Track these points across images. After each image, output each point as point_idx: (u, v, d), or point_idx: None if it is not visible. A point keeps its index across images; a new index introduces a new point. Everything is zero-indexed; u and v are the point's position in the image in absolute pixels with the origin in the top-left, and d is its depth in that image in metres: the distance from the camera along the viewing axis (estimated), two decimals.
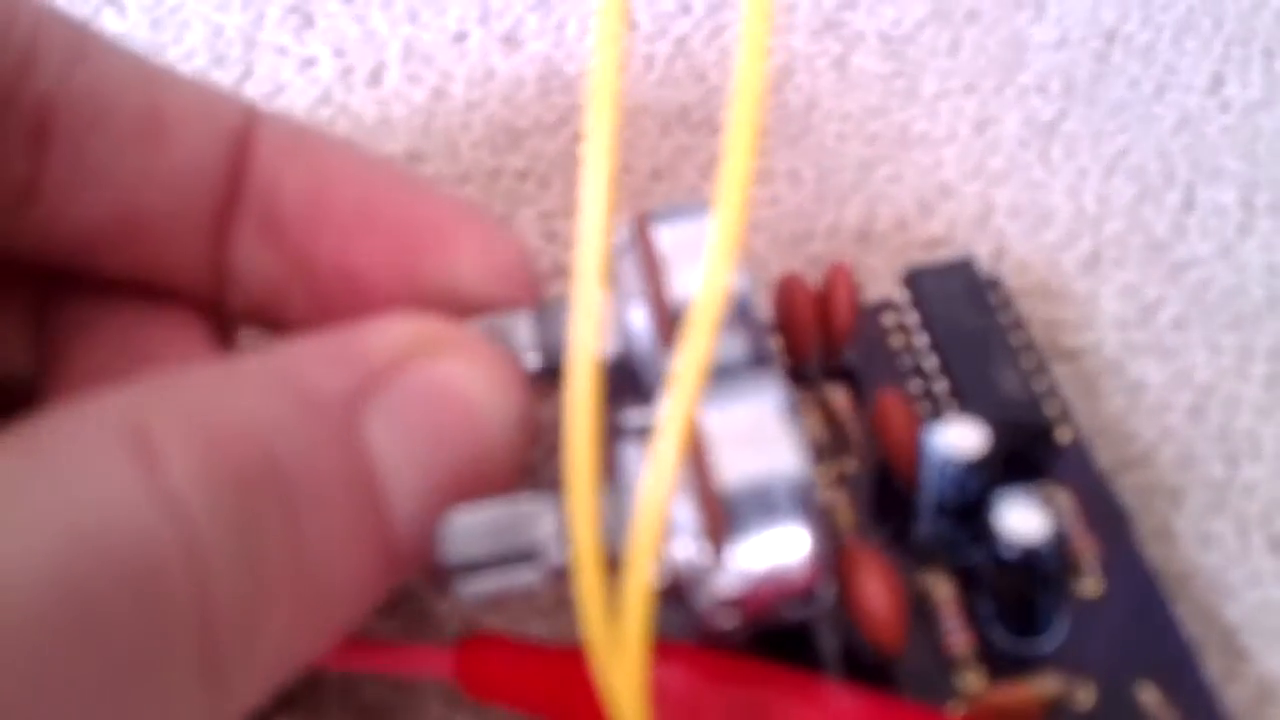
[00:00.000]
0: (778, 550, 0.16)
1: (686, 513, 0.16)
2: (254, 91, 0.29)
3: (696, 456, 0.16)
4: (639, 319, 0.19)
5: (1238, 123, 0.28)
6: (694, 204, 0.19)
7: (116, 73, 0.19)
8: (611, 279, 0.20)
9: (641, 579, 0.13)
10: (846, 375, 0.23)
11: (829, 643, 0.19)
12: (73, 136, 0.19)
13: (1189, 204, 0.26)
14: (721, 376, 0.18)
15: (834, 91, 0.29)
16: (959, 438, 0.18)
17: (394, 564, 0.17)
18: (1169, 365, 0.23)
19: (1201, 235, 0.25)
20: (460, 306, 0.19)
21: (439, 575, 0.17)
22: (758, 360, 0.19)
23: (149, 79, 0.19)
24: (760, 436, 0.16)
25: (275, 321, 0.20)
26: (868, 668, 0.19)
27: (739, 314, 0.18)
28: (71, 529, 0.13)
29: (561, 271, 0.25)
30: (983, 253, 0.25)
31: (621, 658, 0.13)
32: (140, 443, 0.14)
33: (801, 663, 0.18)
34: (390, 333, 0.18)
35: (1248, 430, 0.22)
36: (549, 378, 0.20)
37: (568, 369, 0.14)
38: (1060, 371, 0.23)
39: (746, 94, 0.13)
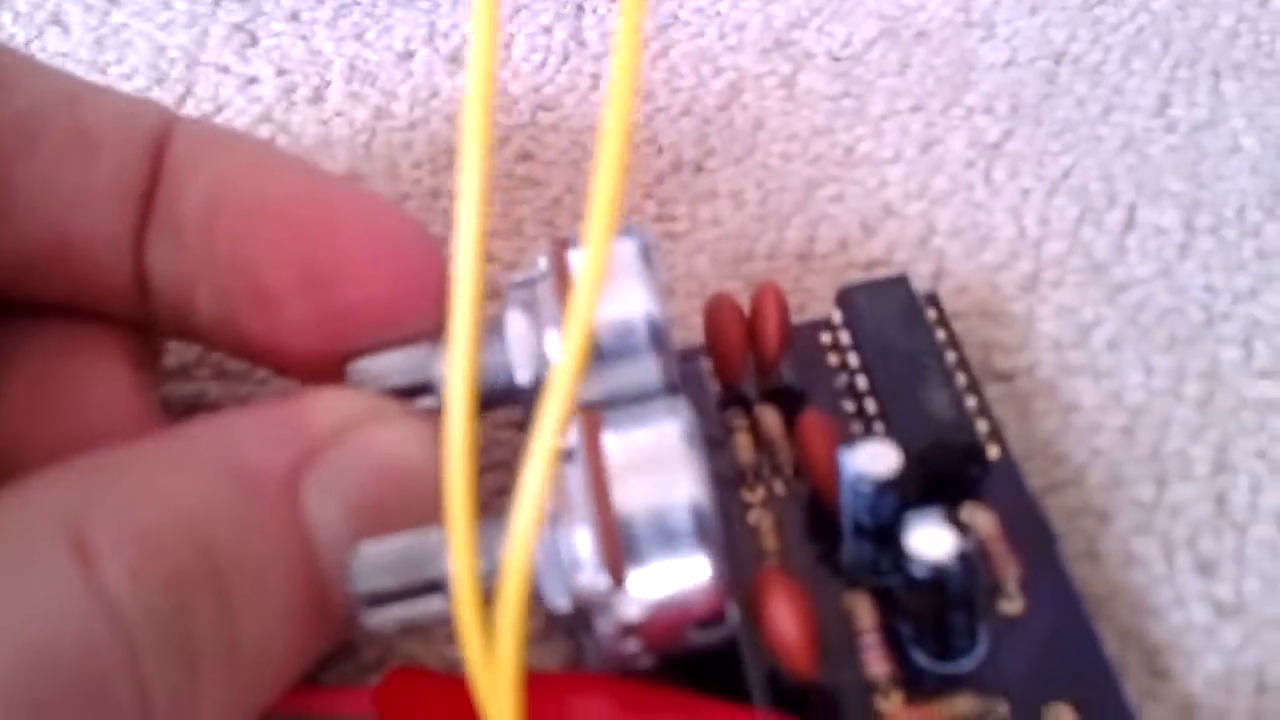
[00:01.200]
0: (677, 578, 0.16)
1: (588, 542, 0.16)
2: (193, 109, 0.29)
3: (597, 484, 0.16)
4: (555, 345, 0.19)
5: (1183, 143, 0.28)
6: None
7: (41, 96, 0.19)
8: (531, 305, 0.20)
9: (513, 605, 0.13)
10: (783, 395, 0.22)
11: (755, 670, 0.19)
12: (2, 167, 0.19)
13: (1130, 224, 0.26)
14: (629, 403, 0.18)
15: (781, 111, 0.29)
16: (871, 458, 0.18)
17: (329, 628, 0.18)
18: (1102, 386, 0.23)
19: (1141, 256, 0.25)
20: (352, 291, 0.19)
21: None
22: (669, 387, 0.19)
23: (73, 96, 0.19)
24: (660, 464, 0.16)
25: (188, 325, 0.20)
26: (791, 693, 0.18)
27: (650, 340, 0.18)
28: (21, 642, 0.14)
29: (495, 291, 0.25)
30: (922, 273, 0.25)
31: (497, 681, 0.13)
32: (79, 544, 0.15)
33: (728, 691, 0.18)
34: (326, 406, 0.18)
35: (1178, 451, 0.22)
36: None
37: (446, 406, 0.14)
38: (994, 392, 0.23)
39: (614, 128, 0.13)
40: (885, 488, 0.18)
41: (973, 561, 0.17)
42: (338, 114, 0.29)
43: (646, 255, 0.19)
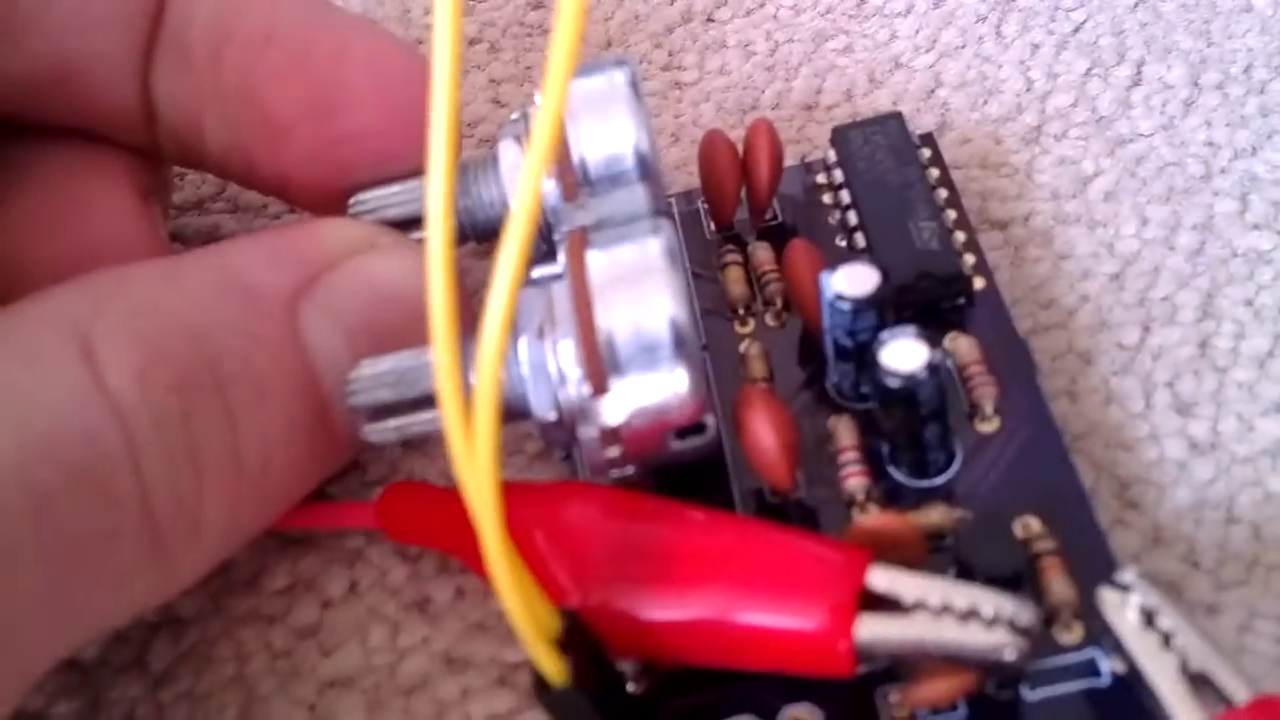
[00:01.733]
0: (655, 387, 0.17)
1: (571, 354, 0.17)
2: None
3: (580, 299, 0.17)
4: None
5: (1195, 1, 0.28)
6: (601, 62, 0.20)
7: None
8: (524, 138, 0.20)
9: (486, 394, 0.14)
10: (777, 233, 0.23)
11: (740, 484, 0.19)
12: None
13: (1137, 80, 0.26)
14: (614, 226, 0.18)
15: None
16: (850, 279, 0.18)
17: (333, 448, 0.18)
18: (1096, 235, 0.23)
19: (1145, 111, 0.25)
20: (356, 120, 0.20)
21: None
22: (657, 214, 0.19)
23: None
24: (640, 280, 0.17)
25: (195, 152, 0.21)
26: (774, 508, 0.19)
27: (638, 168, 0.19)
28: (26, 431, 0.15)
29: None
30: (926, 124, 0.26)
31: (474, 462, 0.14)
32: (85, 348, 0.15)
33: (714, 504, 0.19)
34: (325, 235, 0.19)
35: (1165, 297, 0.22)
36: (462, 239, 0.20)
37: (428, 229, 0.15)
38: (990, 239, 0.23)
39: None
40: (862, 307, 0.18)
41: (943, 374, 0.18)
42: None
43: (635, 85, 0.19)
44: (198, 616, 0.19)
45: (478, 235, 0.21)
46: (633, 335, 0.17)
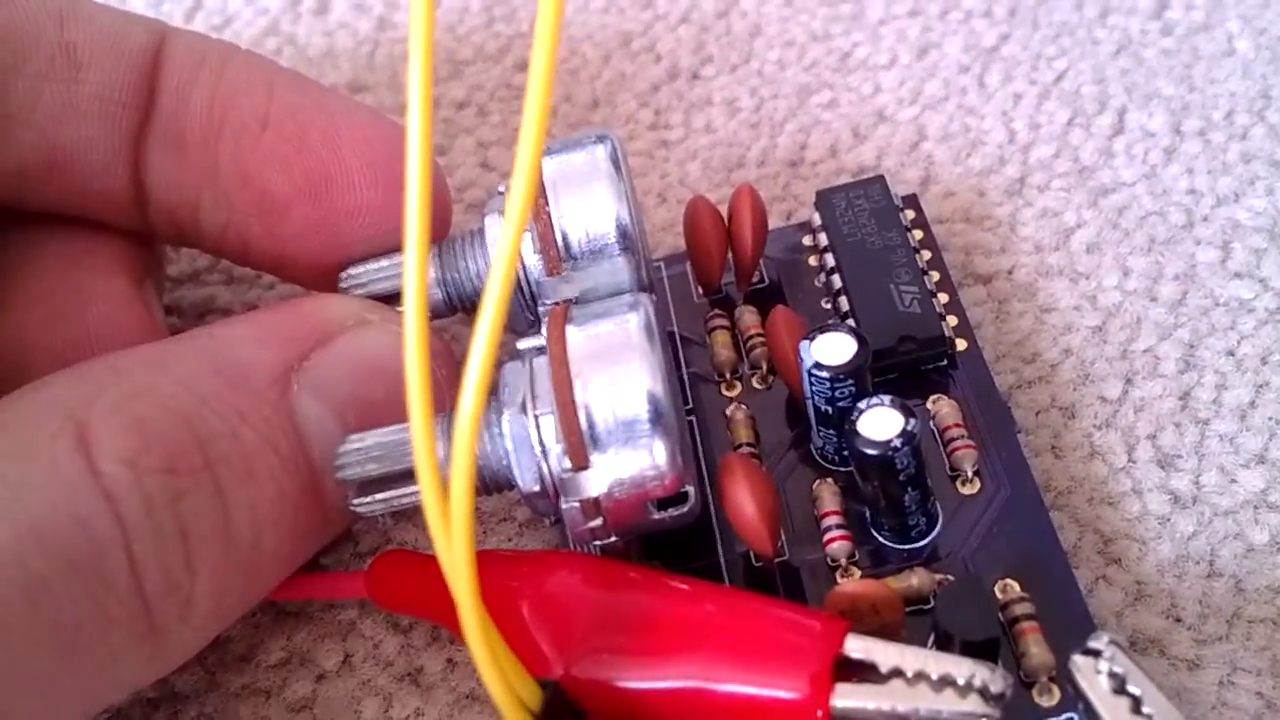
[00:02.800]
0: (633, 461, 0.17)
1: (552, 428, 0.17)
2: (202, 23, 0.30)
3: (559, 374, 0.17)
4: (529, 251, 0.20)
5: (1177, 46, 0.28)
6: (584, 137, 0.20)
7: (30, 11, 0.20)
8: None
9: (461, 475, 0.14)
10: (764, 297, 0.23)
11: (727, 551, 0.20)
12: None
13: (1119, 128, 0.26)
14: (596, 301, 0.19)
15: (779, 17, 0.30)
16: (828, 348, 0.19)
17: (324, 521, 0.19)
18: (1078, 288, 0.23)
19: (1128, 160, 0.26)
20: (350, 198, 0.20)
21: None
22: (642, 287, 0.19)
23: (61, 14, 0.20)
24: (619, 355, 0.17)
25: (190, 233, 0.21)
26: (760, 573, 0.19)
27: (620, 242, 0.19)
28: (21, 522, 0.15)
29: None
30: (910, 178, 0.26)
31: (451, 539, 0.14)
32: (80, 436, 0.16)
33: (706, 575, 0.19)
34: (315, 312, 0.19)
35: (1148, 349, 0.22)
36: (451, 310, 0.21)
37: (405, 312, 0.15)
38: (973, 294, 0.24)
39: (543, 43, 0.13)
40: (840, 376, 0.19)
41: (919, 442, 0.18)
42: (342, 25, 0.30)
43: (616, 160, 0.19)
44: (195, 692, 0.20)
45: (465, 306, 0.21)
46: (611, 411, 0.17)
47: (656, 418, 0.17)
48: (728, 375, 0.22)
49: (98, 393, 0.17)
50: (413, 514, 0.21)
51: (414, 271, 0.14)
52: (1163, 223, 0.24)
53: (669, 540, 0.19)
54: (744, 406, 0.21)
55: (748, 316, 0.23)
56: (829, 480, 0.20)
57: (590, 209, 0.19)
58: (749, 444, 0.21)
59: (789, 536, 0.20)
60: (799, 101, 0.28)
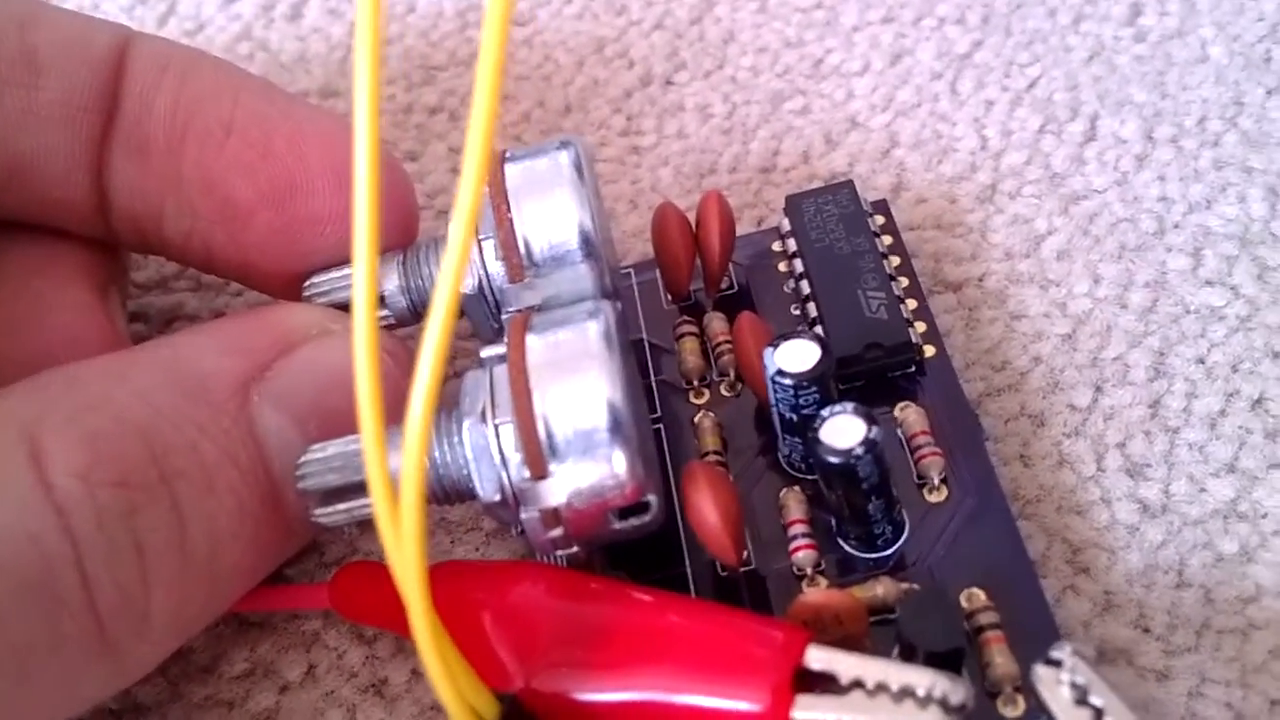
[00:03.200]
0: (593, 470, 0.17)
1: (511, 438, 0.17)
2: (175, 29, 0.29)
3: (518, 383, 0.17)
4: (491, 255, 0.19)
5: (1150, 53, 0.28)
6: (548, 144, 0.20)
7: None
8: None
9: (412, 487, 0.14)
10: (733, 303, 0.23)
11: (693, 561, 0.20)
12: None
13: (1091, 135, 0.26)
14: (561, 305, 0.19)
15: (753, 24, 0.30)
16: (791, 355, 0.19)
17: (285, 534, 0.18)
18: (1049, 295, 0.23)
19: (1099, 167, 0.26)
20: (314, 204, 0.20)
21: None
22: (605, 295, 0.19)
23: (24, 19, 0.20)
24: (578, 364, 0.17)
25: (154, 240, 0.21)
26: (727, 582, 0.19)
27: (582, 249, 0.19)
28: None
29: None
30: (881, 185, 0.26)
31: (402, 549, 0.14)
32: (33, 450, 0.16)
33: (671, 584, 0.19)
34: (277, 322, 0.19)
35: (1117, 357, 0.22)
36: (416, 317, 0.21)
37: (354, 324, 0.15)
38: (944, 301, 0.23)
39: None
40: (803, 383, 0.18)
41: (881, 450, 0.18)
42: (315, 30, 0.30)
43: (580, 166, 0.19)
44: (157, 703, 0.19)
45: (421, 315, 0.21)
46: (569, 420, 0.17)
47: (615, 427, 0.17)
48: (696, 383, 0.22)
49: (52, 406, 0.16)
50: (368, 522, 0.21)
51: (363, 277, 0.14)
52: (1134, 230, 0.24)
53: (635, 550, 0.19)
54: (711, 414, 0.21)
55: (715, 323, 0.22)
56: (795, 489, 0.20)
57: (552, 215, 0.19)
58: (716, 452, 0.21)
59: (756, 545, 0.20)
60: (772, 108, 0.28)
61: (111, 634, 0.16)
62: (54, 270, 0.21)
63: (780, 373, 0.19)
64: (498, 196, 0.19)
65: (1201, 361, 0.22)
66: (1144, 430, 0.21)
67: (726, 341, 0.22)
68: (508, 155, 0.20)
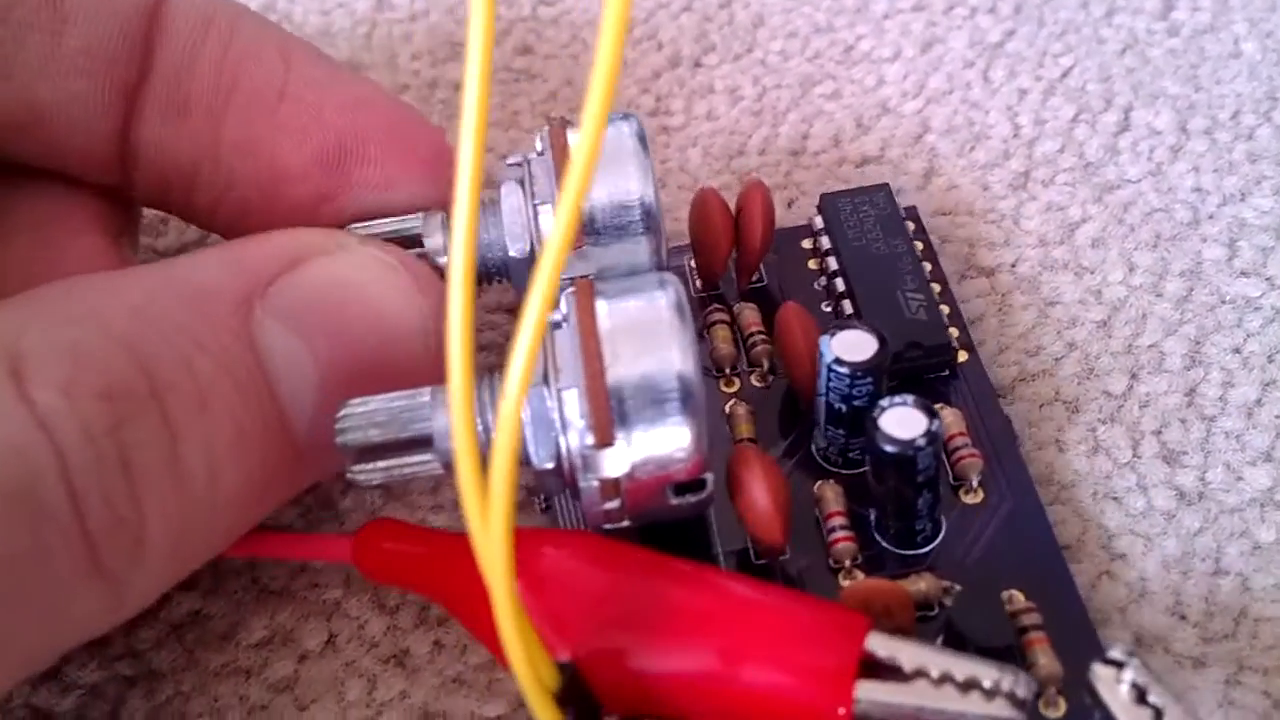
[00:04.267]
0: (659, 441, 0.16)
1: (576, 403, 0.16)
2: None
3: (589, 348, 0.16)
4: (549, 220, 0.19)
5: (1184, 46, 0.28)
6: (610, 114, 0.19)
7: None
8: (526, 182, 0.20)
9: (504, 457, 0.14)
10: (761, 297, 0.23)
11: (726, 545, 0.19)
12: None
13: (1125, 126, 0.26)
14: (622, 277, 0.18)
15: (783, 8, 0.29)
16: (850, 344, 0.18)
17: (293, 462, 0.17)
18: (1083, 282, 0.23)
19: (1133, 157, 0.25)
20: (365, 171, 0.20)
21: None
22: (658, 268, 0.19)
23: None
24: (650, 334, 0.17)
25: (181, 203, 0.21)
26: (763, 571, 0.19)
27: (643, 221, 0.19)
28: None
29: (491, 182, 0.26)
30: (914, 170, 0.26)
31: (489, 525, 0.14)
32: (12, 364, 0.15)
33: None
34: (285, 239, 0.18)
35: (1153, 345, 0.22)
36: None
37: (448, 273, 0.14)
38: (975, 286, 0.23)
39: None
40: (860, 373, 0.18)
41: (941, 445, 0.17)
42: (339, 4, 0.29)
43: (643, 139, 0.19)
44: (172, 670, 0.19)
45: (480, 276, 0.20)
46: (641, 389, 0.16)
47: (686, 398, 0.16)
48: (727, 370, 0.21)
49: (34, 319, 0.16)
50: (403, 494, 0.21)
51: (463, 230, 0.13)
52: (1168, 220, 0.24)
53: (663, 535, 0.19)
54: (745, 403, 0.21)
55: (748, 313, 0.22)
56: (832, 481, 0.20)
57: (616, 184, 0.19)
58: (750, 440, 0.20)
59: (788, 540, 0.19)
60: (802, 91, 0.27)
61: (105, 557, 0.15)
62: (68, 218, 0.20)
63: (838, 361, 0.18)
64: (561, 161, 0.19)
65: (1238, 351, 0.22)
66: (1180, 418, 0.21)
67: (760, 332, 0.22)
68: (569, 122, 0.19)
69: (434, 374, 0.17)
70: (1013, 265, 0.24)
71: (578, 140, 0.14)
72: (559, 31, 0.29)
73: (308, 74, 0.20)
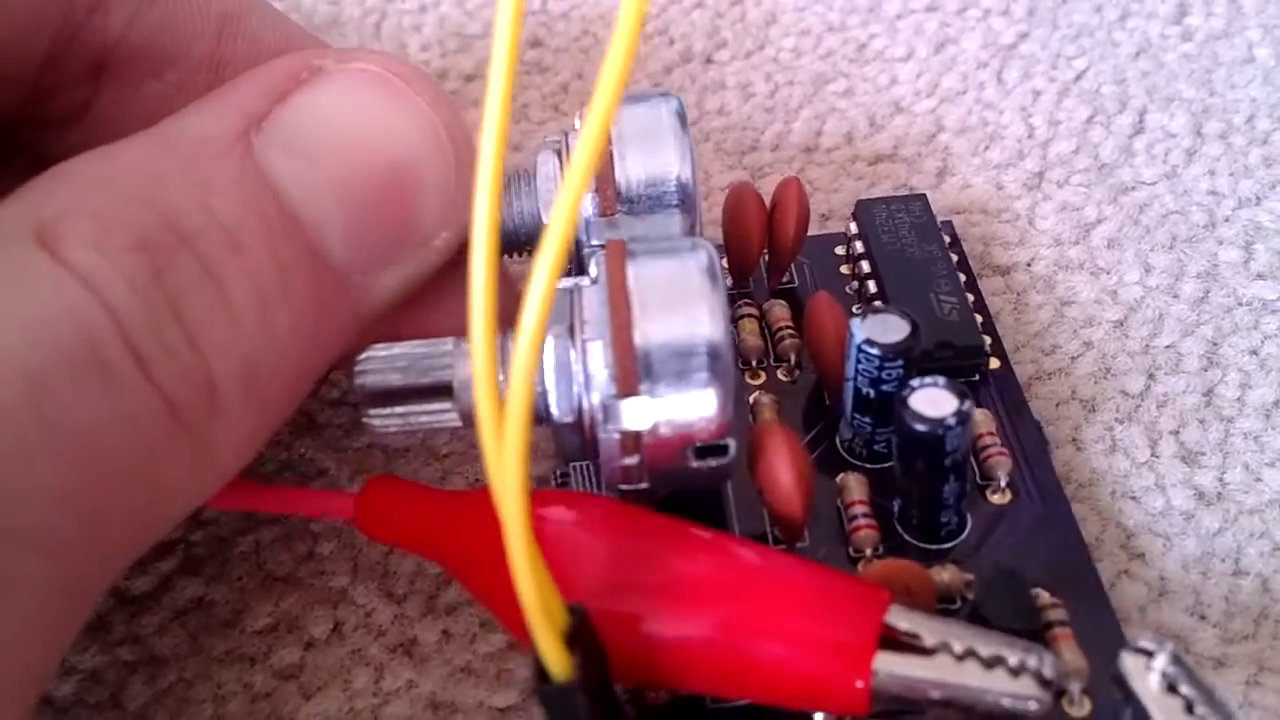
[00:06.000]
0: (684, 398, 0.16)
1: (601, 356, 0.16)
2: None
3: (617, 303, 0.16)
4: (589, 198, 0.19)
5: (1197, 51, 0.28)
6: (649, 93, 0.19)
7: None
8: (562, 152, 0.20)
9: (519, 397, 0.13)
10: (789, 295, 0.22)
11: (745, 528, 0.19)
12: None
13: (1139, 128, 0.26)
14: (658, 239, 0.18)
15: (795, 6, 0.29)
16: (882, 326, 0.18)
17: (344, 298, 0.17)
18: (1099, 282, 0.23)
19: (1148, 159, 0.25)
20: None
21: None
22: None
23: None
24: (680, 295, 0.16)
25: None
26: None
27: (678, 197, 0.19)
28: (15, 332, 0.14)
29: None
30: (927, 169, 0.25)
31: (504, 472, 0.13)
32: (40, 237, 0.14)
33: None
34: (263, 75, 0.17)
35: (1170, 345, 0.22)
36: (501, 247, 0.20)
37: (472, 230, 0.14)
38: (991, 284, 0.23)
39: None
40: (890, 355, 0.18)
41: (971, 427, 0.17)
42: None
43: (683, 118, 0.19)
44: (175, 656, 0.19)
45: (508, 246, 0.20)
46: (667, 343, 0.16)
47: (714, 357, 0.16)
48: (754, 364, 0.21)
49: (48, 195, 0.15)
50: (415, 463, 0.21)
51: (487, 182, 0.13)
52: (1184, 222, 0.24)
53: (679, 512, 0.18)
54: (770, 393, 0.21)
55: (777, 309, 0.22)
56: (855, 473, 0.19)
57: (653, 155, 0.18)
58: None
59: (809, 530, 0.19)
60: (814, 89, 0.27)
61: (180, 407, 0.15)
62: None
63: (869, 342, 0.18)
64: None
65: (1255, 353, 0.22)
66: (1199, 418, 0.21)
67: (788, 327, 0.21)
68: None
69: (462, 199, 0.17)
70: (1028, 264, 0.23)
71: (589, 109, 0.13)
72: (569, 25, 0.29)
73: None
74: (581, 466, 0.20)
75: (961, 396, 0.17)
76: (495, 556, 0.14)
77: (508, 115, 0.14)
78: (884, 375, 0.18)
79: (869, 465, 0.19)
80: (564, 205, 0.13)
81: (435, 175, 0.17)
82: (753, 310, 0.22)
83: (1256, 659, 0.18)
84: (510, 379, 0.14)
